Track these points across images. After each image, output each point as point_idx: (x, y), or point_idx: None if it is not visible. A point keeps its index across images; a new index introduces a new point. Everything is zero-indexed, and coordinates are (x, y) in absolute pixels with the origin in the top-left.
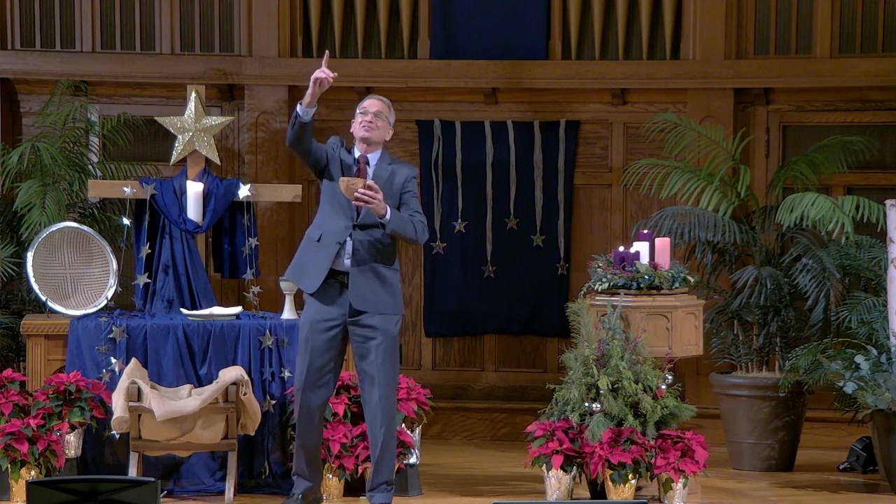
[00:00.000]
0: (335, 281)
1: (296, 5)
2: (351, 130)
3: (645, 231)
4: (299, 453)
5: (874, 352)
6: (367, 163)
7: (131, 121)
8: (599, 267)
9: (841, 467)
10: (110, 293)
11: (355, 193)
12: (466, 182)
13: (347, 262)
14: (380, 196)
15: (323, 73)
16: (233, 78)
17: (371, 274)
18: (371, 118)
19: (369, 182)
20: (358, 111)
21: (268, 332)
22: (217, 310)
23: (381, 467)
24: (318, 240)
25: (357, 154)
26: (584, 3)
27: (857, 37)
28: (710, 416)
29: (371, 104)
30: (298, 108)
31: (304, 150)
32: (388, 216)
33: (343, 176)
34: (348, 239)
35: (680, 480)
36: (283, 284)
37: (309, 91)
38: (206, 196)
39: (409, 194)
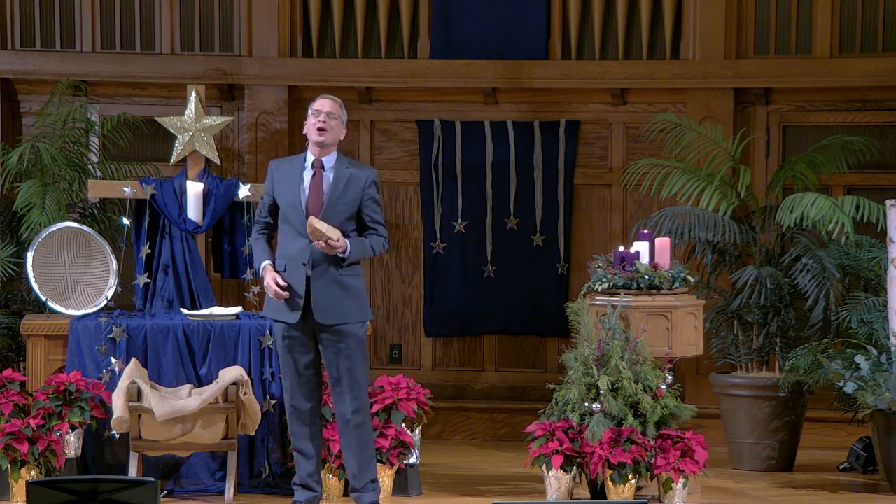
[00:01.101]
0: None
1: (296, 5)
2: (304, 132)
3: (645, 231)
4: (304, 463)
5: (874, 352)
6: (323, 167)
7: (131, 121)
8: (599, 267)
9: (841, 467)
10: (110, 293)
11: (318, 244)
12: (466, 182)
13: (308, 272)
14: (341, 245)
15: (278, 292)
16: (233, 78)
17: (333, 285)
18: (324, 118)
19: (332, 242)
20: (309, 112)
21: (268, 332)
22: (217, 310)
23: (363, 467)
24: (284, 270)
25: (311, 159)
26: (584, 3)
27: (857, 37)
28: (710, 416)
29: (322, 104)
30: (257, 266)
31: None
32: (347, 252)
33: (288, 186)
34: (308, 254)
35: (680, 480)
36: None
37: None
38: (206, 196)
39: (370, 201)
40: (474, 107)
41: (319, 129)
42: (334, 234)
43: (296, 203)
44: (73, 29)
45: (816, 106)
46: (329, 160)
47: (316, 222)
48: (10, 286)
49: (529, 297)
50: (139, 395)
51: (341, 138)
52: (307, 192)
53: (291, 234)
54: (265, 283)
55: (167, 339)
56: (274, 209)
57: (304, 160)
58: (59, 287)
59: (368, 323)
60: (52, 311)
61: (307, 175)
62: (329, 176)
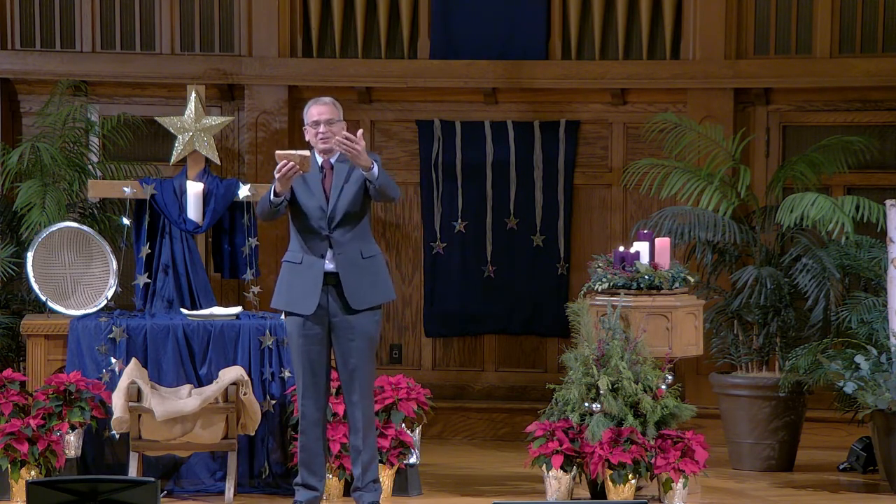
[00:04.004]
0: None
1: (296, 5)
2: (307, 139)
3: (645, 231)
4: (308, 462)
5: (874, 352)
6: (332, 167)
7: (131, 121)
8: (599, 267)
9: (841, 467)
10: (110, 293)
11: (341, 142)
12: (466, 182)
13: (331, 265)
14: (360, 146)
15: (286, 164)
16: (233, 78)
17: (358, 270)
18: (324, 128)
19: (346, 134)
20: (308, 123)
21: (268, 332)
22: (217, 310)
23: (369, 466)
24: (300, 262)
25: (320, 161)
26: (584, 3)
27: (857, 37)
28: (710, 416)
29: (320, 112)
30: (273, 196)
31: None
32: (374, 169)
33: (303, 187)
34: (328, 247)
35: (680, 480)
36: None
37: (280, 185)
38: (206, 196)
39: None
40: (474, 107)
41: (323, 139)
42: (347, 133)
43: (313, 204)
44: (73, 29)
45: (816, 106)
46: (335, 156)
47: (280, 152)
48: (10, 286)
49: (529, 297)
50: (139, 395)
51: None
52: (323, 192)
53: (305, 226)
54: (278, 170)
55: (167, 339)
56: (289, 196)
57: (315, 163)
58: (59, 287)
59: (381, 319)
60: (52, 311)
61: (318, 177)
62: (336, 169)
